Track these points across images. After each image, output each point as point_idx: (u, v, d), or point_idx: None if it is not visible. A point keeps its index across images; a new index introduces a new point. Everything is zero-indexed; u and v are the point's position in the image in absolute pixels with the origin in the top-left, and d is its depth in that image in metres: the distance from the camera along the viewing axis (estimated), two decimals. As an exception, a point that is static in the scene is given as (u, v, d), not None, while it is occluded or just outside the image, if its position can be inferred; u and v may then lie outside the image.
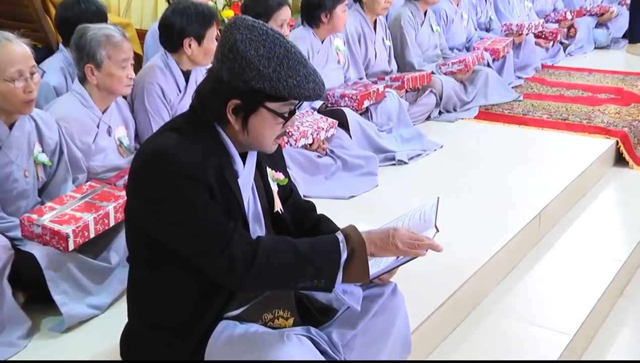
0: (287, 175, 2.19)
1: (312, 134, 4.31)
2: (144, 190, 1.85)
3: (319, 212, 2.33)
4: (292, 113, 1.92)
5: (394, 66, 5.91)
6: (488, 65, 6.53)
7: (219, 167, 1.88)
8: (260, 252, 1.82)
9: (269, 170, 2.11)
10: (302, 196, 2.37)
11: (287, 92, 1.82)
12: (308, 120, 4.43)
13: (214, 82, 1.88)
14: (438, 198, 2.14)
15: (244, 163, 1.98)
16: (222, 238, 1.81)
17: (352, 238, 1.90)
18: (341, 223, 2.28)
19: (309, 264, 1.85)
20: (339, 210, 3.85)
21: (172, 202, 1.81)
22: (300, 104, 1.93)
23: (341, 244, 1.89)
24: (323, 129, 4.40)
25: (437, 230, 2.03)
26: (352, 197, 4.15)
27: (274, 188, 2.11)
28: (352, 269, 1.88)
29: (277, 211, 2.10)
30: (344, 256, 1.88)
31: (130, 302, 2.06)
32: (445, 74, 6.03)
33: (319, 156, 4.40)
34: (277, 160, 2.17)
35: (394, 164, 4.69)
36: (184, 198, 1.80)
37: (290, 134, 4.20)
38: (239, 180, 1.95)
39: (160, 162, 1.82)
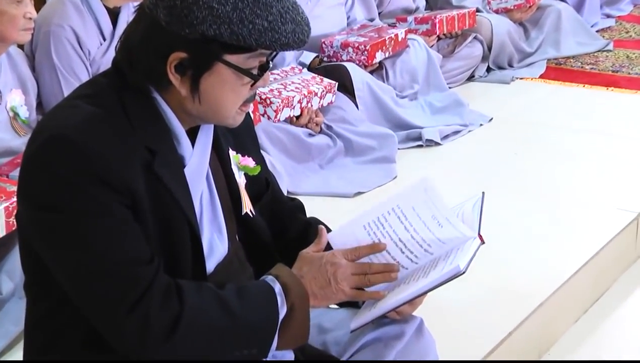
0: (260, 160, 2.19)
1: (300, 102, 4.32)
2: (33, 190, 1.83)
3: (309, 214, 2.33)
4: (264, 68, 1.92)
5: (421, 2, 5.91)
6: (561, -3, 6.55)
7: (148, 156, 1.88)
8: (185, 314, 1.82)
9: (232, 154, 2.11)
10: (285, 192, 2.37)
11: (254, 38, 1.81)
12: (294, 81, 4.43)
13: (147, 28, 1.87)
14: (483, 193, 2.14)
15: (193, 144, 1.98)
16: (135, 287, 1.79)
17: (291, 290, 1.94)
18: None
19: (241, 329, 1.89)
20: (340, 214, 3.83)
21: (69, 215, 1.78)
22: (275, 55, 1.93)
23: (278, 298, 1.92)
24: (316, 94, 4.40)
25: (482, 241, 2.03)
26: (359, 194, 4.16)
27: (241, 180, 2.11)
28: (289, 331, 1.93)
29: (247, 213, 2.11)
30: (281, 314, 1.92)
31: (29, 351, 2.06)
32: (497, 11, 6.03)
33: (310, 134, 4.41)
34: (245, 139, 2.16)
35: (421, 146, 4.71)
36: (87, 211, 1.78)
37: (268, 101, 4.20)
38: (185, 169, 1.95)
39: (60, 151, 1.80)
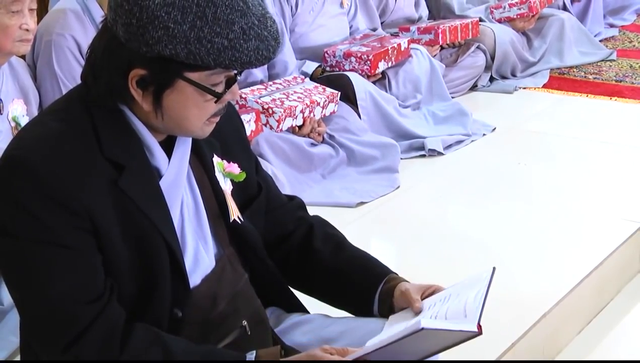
0: (251, 165, 2.16)
1: (302, 112, 4.31)
2: None
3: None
4: (231, 82, 1.90)
5: (424, 11, 5.90)
6: (564, 7, 6.54)
7: (114, 173, 1.86)
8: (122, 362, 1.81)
9: (217, 160, 2.08)
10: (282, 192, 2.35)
11: (213, 58, 1.78)
12: (296, 90, 4.43)
13: (108, 43, 1.86)
14: (494, 269, 2.09)
15: (169, 155, 1.96)
16: (70, 327, 1.79)
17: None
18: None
19: None
20: (343, 224, 3.80)
21: (18, 241, 1.79)
22: (241, 71, 1.89)
23: None
24: (319, 104, 4.40)
25: (480, 332, 1.93)
26: (362, 204, 4.15)
27: (226, 187, 2.09)
28: None
29: (235, 220, 2.08)
30: None
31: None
32: (500, 21, 6.03)
33: (313, 144, 4.40)
34: (232, 144, 2.13)
35: (424, 156, 4.71)
36: (34, 239, 1.78)
37: (270, 111, 4.20)
38: (161, 181, 1.93)
39: (13, 175, 1.80)
